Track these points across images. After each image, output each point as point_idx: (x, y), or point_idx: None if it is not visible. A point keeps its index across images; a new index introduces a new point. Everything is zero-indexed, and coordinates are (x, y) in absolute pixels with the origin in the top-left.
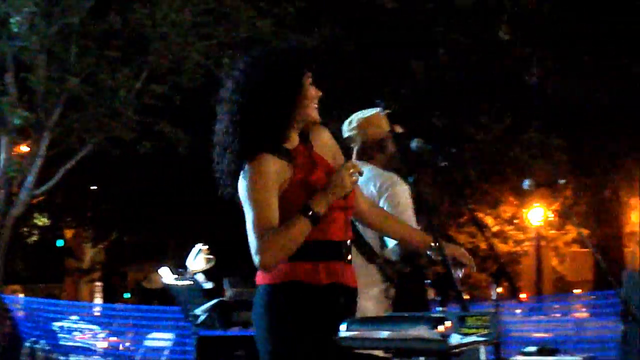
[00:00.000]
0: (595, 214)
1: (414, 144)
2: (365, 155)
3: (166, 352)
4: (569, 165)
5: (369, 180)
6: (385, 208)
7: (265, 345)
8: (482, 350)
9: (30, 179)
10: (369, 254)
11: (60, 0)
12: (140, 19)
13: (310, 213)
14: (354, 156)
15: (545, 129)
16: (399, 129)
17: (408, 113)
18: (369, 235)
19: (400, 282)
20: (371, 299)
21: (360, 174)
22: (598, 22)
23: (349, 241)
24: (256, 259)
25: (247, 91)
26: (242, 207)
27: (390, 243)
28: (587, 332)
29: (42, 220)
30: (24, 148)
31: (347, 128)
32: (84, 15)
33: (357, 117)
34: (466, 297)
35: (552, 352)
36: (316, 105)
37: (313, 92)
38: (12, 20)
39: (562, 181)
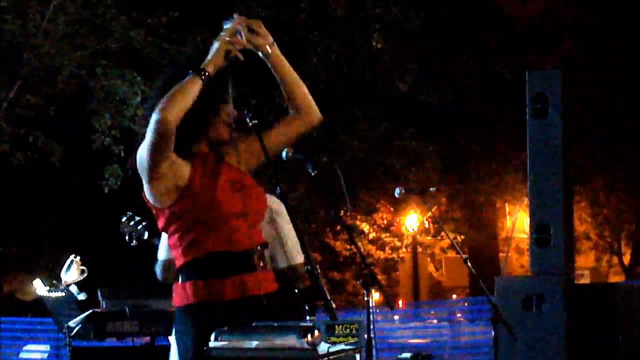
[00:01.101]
0: (469, 220)
1: (284, 153)
2: None
3: None
4: (443, 172)
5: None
6: (271, 229)
7: None
8: (358, 358)
9: None
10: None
11: None
12: (12, 29)
13: (198, 69)
14: None
15: (419, 137)
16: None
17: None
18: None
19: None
20: None
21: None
22: (467, 29)
23: (258, 247)
24: (155, 117)
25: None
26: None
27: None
28: (462, 338)
29: None
30: None
31: None
32: None
33: None
34: (333, 305)
35: (427, 358)
36: (229, 125)
37: (227, 108)
38: None
39: (432, 188)
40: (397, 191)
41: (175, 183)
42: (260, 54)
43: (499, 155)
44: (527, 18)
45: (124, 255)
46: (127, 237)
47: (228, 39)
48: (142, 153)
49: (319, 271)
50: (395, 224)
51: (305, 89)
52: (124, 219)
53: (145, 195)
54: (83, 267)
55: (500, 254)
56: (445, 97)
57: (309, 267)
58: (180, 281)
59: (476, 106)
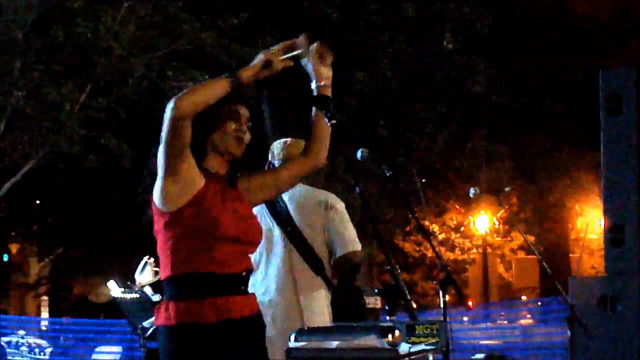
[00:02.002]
0: (540, 221)
1: (360, 154)
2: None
3: None
4: (514, 173)
5: (311, 195)
6: (331, 224)
7: None
8: (431, 358)
9: None
10: (316, 267)
11: (3, 15)
12: (84, 33)
13: (233, 74)
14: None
15: (490, 137)
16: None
17: (353, 123)
18: (319, 246)
19: (337, 291)
20: (318, 304)
21: (296, 56)
22: (538, 29)
23: (243, 272)
24: (170, 106)
25: None
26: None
27: (337, 253)
28: (534, 339)
29: None
30: None
31: (282, 146)
32: (27, 29)
33: (295, 139)
34: (414, 305)
35: (500, 359)
36: (238, 139)
37: (233, 125)
38: None
39: (507, 189)
40: (471, 191)
41: (189, 190)
42: (313, 84)
43: (569, 155)
44: (598, 18)
45: None
46: None
47: (273, 51)
48: (160, 148)
49: (399, 272)
50: (465, 224)
51: (328, 133)
52: None
53: (153, 194)
54: (157, 269)
55: (571, 255)
56: (516, 97)
57: (389, 267)
58: (165, 299)
59: (547, 106)
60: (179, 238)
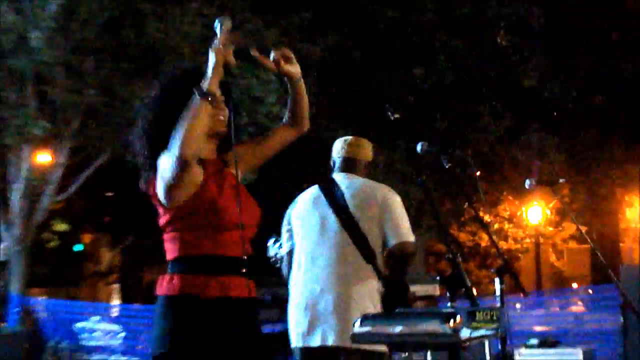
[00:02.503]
0: (591, 211)
1: (420, 147)
2: (360, 170)
3: None
4: (566, 165)
5: (368, 188)
6: (385, 216)
7: (154, 350)
8: (487, 343)
9: (51, 187)
10: (368, 255)
11: (77, 15)
12: (153, 33)
13: (201, 92)
14: (340, 168)
15: (543, 130)
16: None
17: (411, 118)
18: (373, 237)
19: (387, 280)
20: (369, 293)
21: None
22: (590, 27)
23: (245, 256)
24: (175, 154)
25: (151, 109)
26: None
27: (390, 242)
28: (585, 325)
29: (61, 226)
30: (45, 157)
31: (344, 144)
32: (99, 29)
33: (351, 140)
34: (474, 293)
35: (554, 345)
36: (218, 120)
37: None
38: (31, 36)
39: (562, 180)
40: (527, 182)
41: (192, 188)
42: (286, 78)
43: (619, 148)
44: None
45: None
46: (272, 260)
47: (221, 48)
48: (166, 174)
49: (460, 260)
50: (518, 215)
51: (307, 103)
52: (271, 242)
53: (154, 191)
54: None
55: (621, 244)
56: (568, 92)
57: (450, 256)
58: (169, 272)
59: (597, 100)
60: (184, 228)
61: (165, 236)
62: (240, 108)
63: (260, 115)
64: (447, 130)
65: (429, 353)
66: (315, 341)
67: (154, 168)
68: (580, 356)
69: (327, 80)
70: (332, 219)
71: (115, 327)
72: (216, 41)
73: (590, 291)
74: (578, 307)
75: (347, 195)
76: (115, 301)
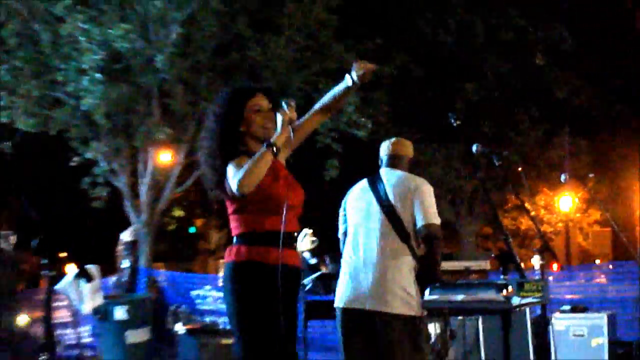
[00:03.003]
0: (612, 201)
1: (475, 148)
2: (401, 165)
3: None
4: (591, 162)
5: (405, 180)
6: (415, 202)
7: (229, 308)
8: (528, 308)
9: (171, 181)
10: (404, 236)
11: (193, 42)
12: (254, 55)
13: (269, 144)
14: (385, 163)
15: (573, 134)
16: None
17: (464, 124)
18: (407, 221)
19: (421, 259)
20: (404, 267)
21: (292, 119)
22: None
23: (295, 232)
24: (235, 186)
25: (213, 121)
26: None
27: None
28: (607, 294)
29: (179, 213)
30: (167, 157)
31: (389, 144)
32: (211, 53)
33: (394, 140)
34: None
35: (583, 310)
36: (266, 127)
37: (257, 119)
38: (156, 58)
39: (591, 175)
40: (562, 177)
41: None
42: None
43: (637, 148)
44: None
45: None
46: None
47: (288, 116)
48: (232, 186)
49: (511, 240)
50: (551, 204)
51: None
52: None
53: (226, 188)
54: (313, 238)
55: (637, 228)
56: (594, 101)
57: (504, 237)
58: (235, 244)
59: (620, 107)
60: (248, 213)
61: (232, 218)
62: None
63: (341, 122)
64: (494, 134)
65: (480, 318)
66: (356, 305)
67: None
68: (605, 319)
69: (396, 93)
70: (374, 206)
71: (222, 294)
72: (285, 108)
73: (610, 266)
74: (601, 280)
75: (388, 186)
76: (222, 273)
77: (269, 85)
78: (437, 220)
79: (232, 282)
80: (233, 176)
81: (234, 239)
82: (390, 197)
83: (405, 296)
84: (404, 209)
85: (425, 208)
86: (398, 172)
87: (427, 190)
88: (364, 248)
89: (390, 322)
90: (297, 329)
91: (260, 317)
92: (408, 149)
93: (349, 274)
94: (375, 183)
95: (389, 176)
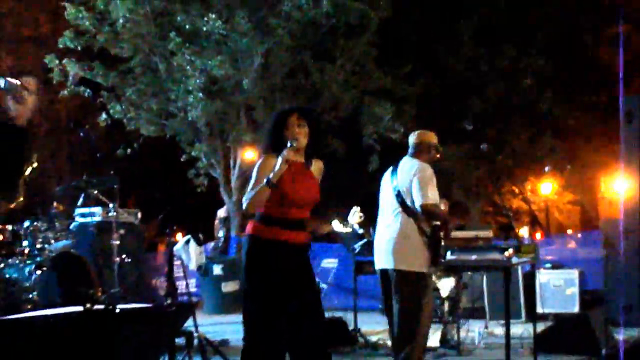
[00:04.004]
0: (581, 187)
1: (482, 146)
2: (419, 152)
3: (333, 270)
4: (566, 158)
5: (412, 166)
6: (414, 185)
7: (245, 273)
8: (519, 267)
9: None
10: (409, 213)
11: (270, 69)
12: (315, 78)
13: (268, 181)
14: (408, 152)
15: (553, 136)
16: (440, 148)
17: (474, 130)
18: (410, 201)
19: (428, 234)
20: (411, 237)
21: (287, 161)
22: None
23: (305, 219)
24: (243, 208)
25: (268, 128)
26: None
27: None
28: (577, 256)
29: None
30: (250, 154)
31: (412, 135)
32: (284, 76)
33: (419, 131)
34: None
35: (560, 267)
36: (299, 135)
37: (295, 129)
38: (243, 82)
39: (569, 167)
40: (546, 168)
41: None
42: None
43: (600, 146)
44: None
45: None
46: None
47: (287, 158)
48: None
49: (511, 215)
50: (535, 188)
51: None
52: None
53: None
54: (361, 214)
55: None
56: (569, 112)
57: (505, 213)
58: (256, 220)
59: (588, 117)
60: (270, 201)
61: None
62: (367, 127)
63: (380, 127)
64: (494, 136)
65: (484, 274)
66: (383, 265)
67: None
68: (577, 274)
69: (421, 106)
70: (390, 188)
71: None
72: (284, 153)
73: (579, 235)
74: (572, 245)
75: (400, 173)
76: None
77: (305, 107)
78: (431, 200)
79: (248, 253)
80: (247, 190)
81: (256, 216)
82: (399, 181)
83: (411, 257)
84: (407, 191)
85: (419, 190)
86: (410, 160)
87: (423, 175)
88: (382, 223)
89: (401, 277)
90: (314, 285)
91: (262, 279)
92: (429, 136)
93: (376, 243)
94: (394, 170)
95: (403, 164)
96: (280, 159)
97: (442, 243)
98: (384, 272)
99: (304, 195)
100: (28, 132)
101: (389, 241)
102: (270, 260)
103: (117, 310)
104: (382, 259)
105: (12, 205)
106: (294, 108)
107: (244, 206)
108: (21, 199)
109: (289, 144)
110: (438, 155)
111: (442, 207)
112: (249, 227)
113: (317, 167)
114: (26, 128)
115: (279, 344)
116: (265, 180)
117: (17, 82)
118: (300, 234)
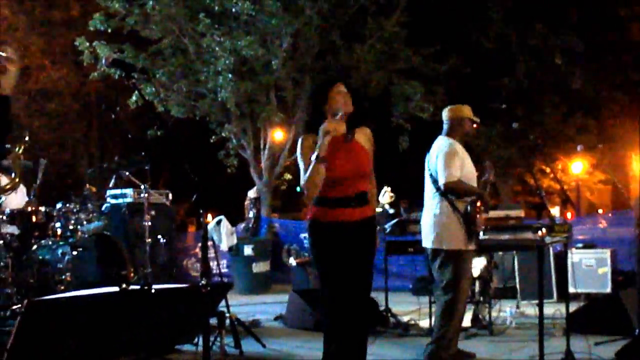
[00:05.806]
0: (613, 165)
1: (513, 124)
2: (450, 128)
3: None
4: (599, 136)
5: (436, 146)
6: (436, 160)
7: (313, 259)
8: (551, 246)
9: (284, 153)
10: (440, 191)
11: (299, 49)
12: (344, 59)
13: (317, 157)
14: (444, 130)
15: (584, 115)
16: (476, 119)
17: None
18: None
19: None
20: (445, 214)
21: (328, 132)
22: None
23: (363, 192)
24: (305, 192)
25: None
26: None
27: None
28: (609, 236)
29: (288, 176)
30: (280, 135)
31: (444, 112)
32: (312, 57)
33: (449, 107)
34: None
35: (592, 247)
36: (341, 104)
37: (336, 99)
38: (273, 62)
39: (599, 145)
40: (579, 147)
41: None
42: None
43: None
44: None
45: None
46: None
47: (326, 130)
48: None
49: (544, 194)
50: (566, 168)
51: None
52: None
53: None
54: (392, 194)
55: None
56: (600, 90)
57: (538, 192)
58: (314, 204)
59: (619, 95)
60: (325, 184)
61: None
62: (397, 107)
63: (410, 107)
64: (524, 115)
65: (515, 253)
66: (424, 244)
67: None
68: (609, 254)
69: (450, 86)
70: (426, 170)
71: None
72: (325, 125)
73: (610, 214)
74: (603, 224)
75: (431, 153)
76: None
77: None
78: (452, 178)
79: (310, 237)
80: (302, 176)
81: (314, 200)
82: (430, 163)
83: (447, 236)
84: (434, 169)
85: (441, 170)
86: (439, 140)
87: (443, 153)
88: (425, 204)
89: (438, 256)
90: (370, 263)
91: (329, 262)
92: (453, 112)
93: (421, 224)
94: (428, 151)
95: (434, 144)
96: (320, 133)
97: (479, 217)
98: (427, 251)
99: (352, 167)
100: (10, 101)
101: (427, 222)
102: (332, 243)
103: (153, 291)
104: (424, 239)
105: (8, 186)
106: (337, 78)
107: (305, 192)
108: (17, 180)
109: (322, 127)
110: (475, 126)
111: (489, 172)
112: (309, 213)
113: (363, 134)
114: (9, 97)
115: (361, 319)
116: (313, 158)
117: (1, 53)
118: (358, 210)
